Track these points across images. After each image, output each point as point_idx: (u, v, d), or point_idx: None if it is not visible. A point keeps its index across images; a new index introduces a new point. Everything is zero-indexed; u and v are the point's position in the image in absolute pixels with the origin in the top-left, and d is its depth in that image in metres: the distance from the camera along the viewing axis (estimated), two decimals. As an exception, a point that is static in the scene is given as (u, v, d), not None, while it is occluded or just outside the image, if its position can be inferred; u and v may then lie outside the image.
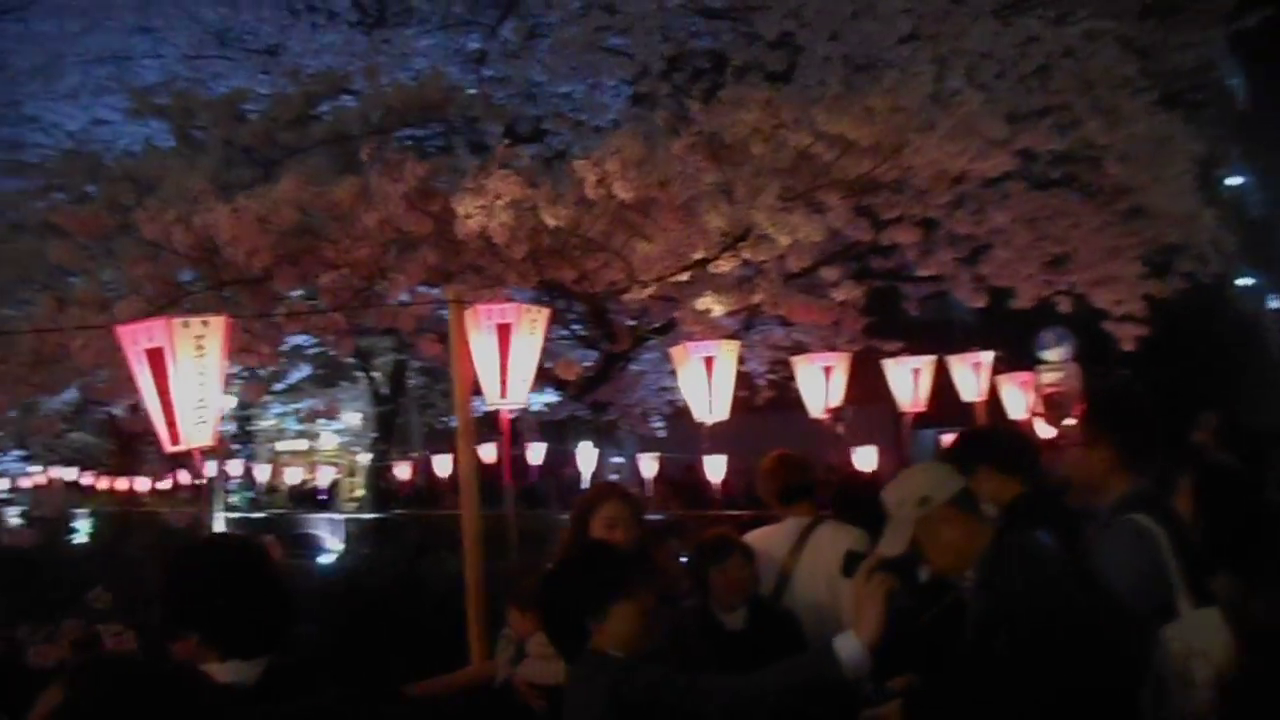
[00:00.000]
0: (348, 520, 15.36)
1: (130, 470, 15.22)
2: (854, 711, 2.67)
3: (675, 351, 4.49)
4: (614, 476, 13.71)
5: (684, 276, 4.49)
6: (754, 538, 3.79)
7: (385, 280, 4.10)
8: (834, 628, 2.57)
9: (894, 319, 7.27)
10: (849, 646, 2.22)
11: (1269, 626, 2.78)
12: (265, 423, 17.43)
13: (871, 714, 2.67)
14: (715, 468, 10.63)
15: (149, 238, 3.77)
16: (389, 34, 8.17)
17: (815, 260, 5.66)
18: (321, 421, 16.97)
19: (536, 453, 11.54)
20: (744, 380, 9.38)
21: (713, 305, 4.72)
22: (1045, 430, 7.04)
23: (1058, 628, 2.19)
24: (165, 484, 13.69)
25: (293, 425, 16.94)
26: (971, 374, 6.42)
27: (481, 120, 6.72)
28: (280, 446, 19.17)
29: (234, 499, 17.73)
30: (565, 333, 8.88)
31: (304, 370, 13.13)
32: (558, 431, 12.05)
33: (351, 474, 18.76)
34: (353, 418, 17.63)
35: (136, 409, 3.14)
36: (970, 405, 6.43)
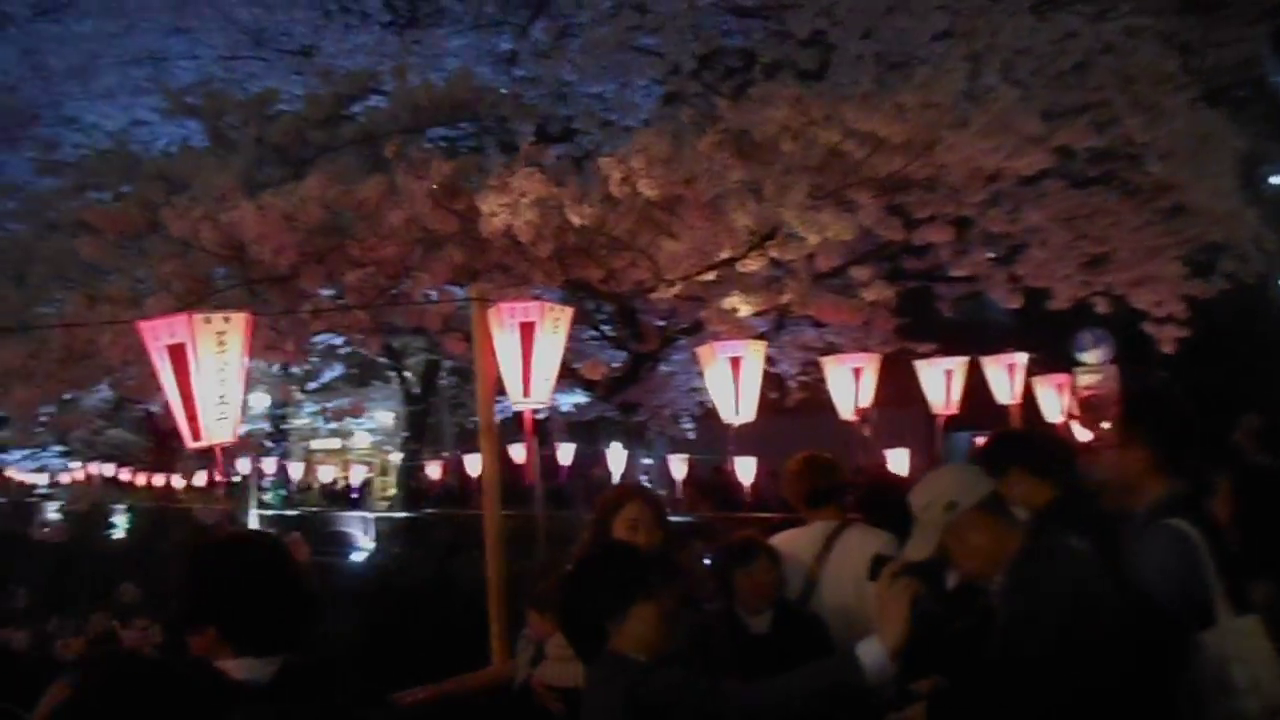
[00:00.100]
0: (379, 519, 15.47)
1: (166, 467, 15.42)
2: (878, 716, 2.61)
3: (701, 351, 4.44)
4: (644, 478, 13.69)
5: (711, 276, 4.44)
6: (780, 541, 3.74)
7: (410, 279, 4.09)
8: (862, 632, 2.52)
9: (928, 320, 7.17)
10: (872, 652, 2.17)
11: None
12: (299, 421, 17.61)
13: (896, 717, 2.61)
14: (745, 469, 10.59)
15: (177, 235, 3.79)
16: (420, 34, 8.21)
17: (845, 260, 5.58)
18: (354, 420, 17.12)
19: (566, 453, 11.55)
20: (775, 381, 9.33)
21: (740, 305, 4.67)
22: (1082, 433, 6.91)
23: (1088, 633, 2.12)
24: (200, 480, 13.84)
25: (326, 424, 17.10)
26: (1006, 376, 6.32)
27: (511, 120, 6.71)
28: (314, 445, 19.37)
29: (268, 496, 17.93)
30: (594, 333, 8.86)
31: (337, 369, 13.25)
32: (588, 432, 12.04)
33: (384, 473, 18.91)
34: (385, 417, 17.79)
35: (169, 405, 3.15)
36: (1005, 407, 6.33)
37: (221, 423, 2.93)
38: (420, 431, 13.19)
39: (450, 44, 8.63)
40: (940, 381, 5.94)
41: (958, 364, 5.95)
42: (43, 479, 16.46)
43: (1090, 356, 10.14)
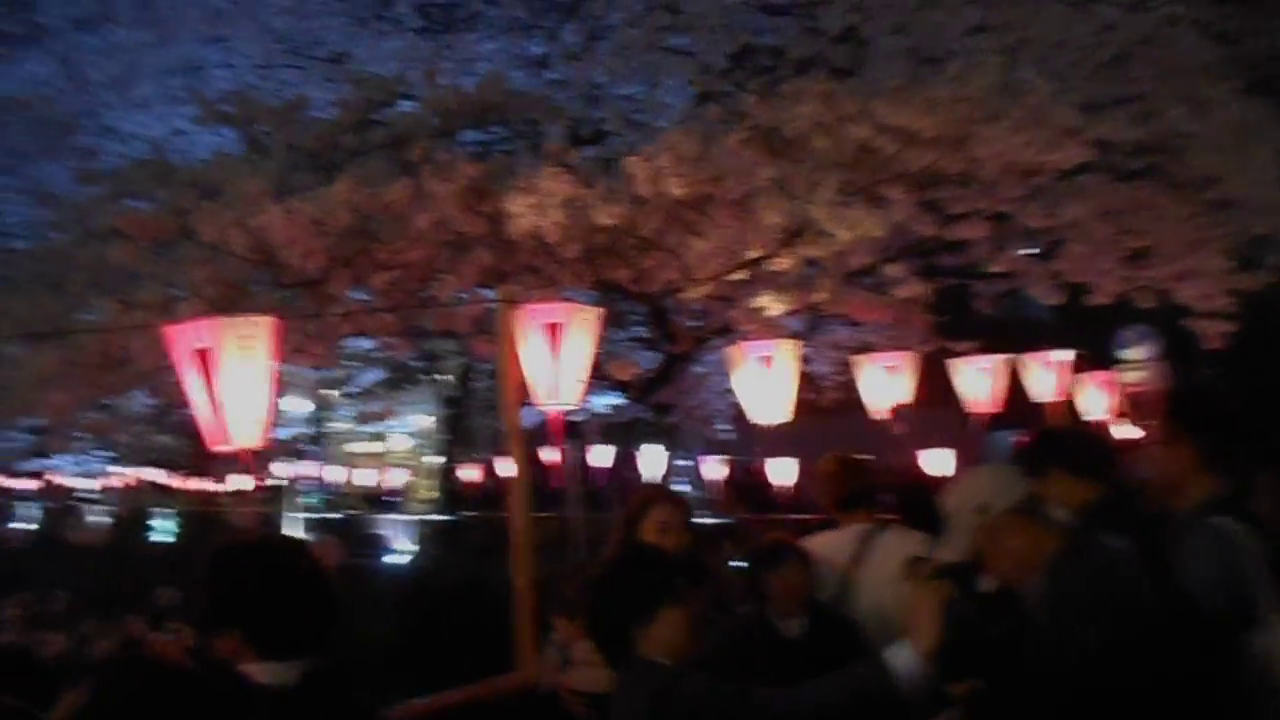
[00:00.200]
0: (417, 522, 15.57)
1: (209, 471, 15.63)
2: None
3: (731, 351, 4.40)
4: (679, 479, 13.65)
5: (741, 275, 4.39)
6: (814, 544, 3.69)
7: (437, 281, 4.09)
8: (899, 637, 2.47)
9: (966, 318, 7.06)
10: (903, 657, 2.12)
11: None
12: (337, 425, 17.79)
13: None
14: (781, 471, 10.51)
15: (208, 241, 3.82)
16: (452, 39, 8.24)
17: (878, 257, 5.51)
18: (392, 423, 17.24)
19: (601, 455, 11.53)
20: (810, 382, 9.26)
21: (770, 304, 4.62)
22: (1125, 432, 6.78)
23: (1128, 636, 2.05)
24: (243, 484, 14.02)
25: (364, 427, 17.24)
26: (1046, 374, 6.21)
27: (541, 123, 6.71)
28: (352, 448, 19.54)
29: (308, 500, 18.13)
30: (626, 335, 8.84)
31: (374, 374, 13.35)
32: (624, 434, 12.02)
33: (421, 476, 19.03)
34: (423, 420, 17.90)
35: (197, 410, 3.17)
36: (1046, 406, 6.22)
37: (249, 427, 2.93)
38: (456, 434, 13.25)
39: (482, 48, 8.66)
40: (978, 380, 5.86)
41: (995, 363, 5.86)
42: (89, 484, 16.75)
43: (1133, 353, 9.97)
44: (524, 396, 3.74)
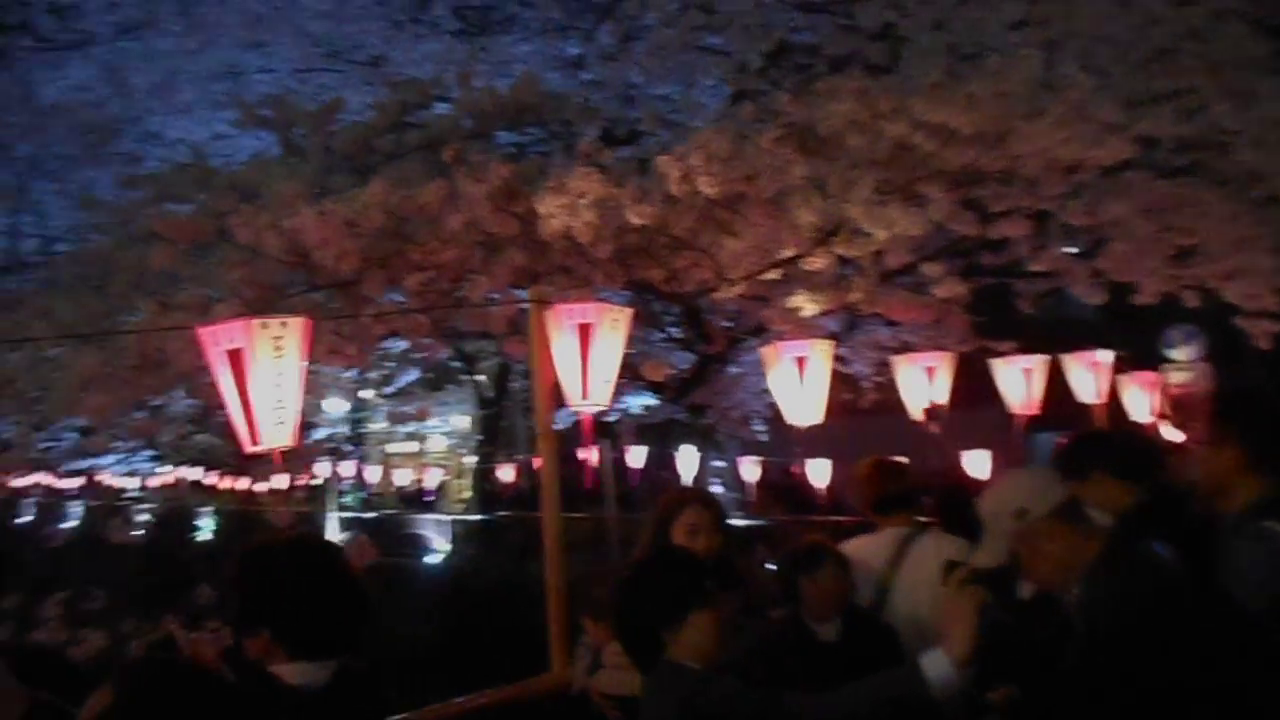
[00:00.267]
0: (454, 521, 15.65)
1: (249, 470, 15.82)
2: None
3: (766, 352, 4.35)
4: (715, 480, 13.60)
5: (775, 275, 4.35)
6: (851, 547, 3.64)
7: (468, 281, 4.09)
8: (935, 642, 2.42)
9: (1008, 317, 6.96)
10: (937, 663, 2.07)
11: None
12: (376, 425, 17.95)
13: None
14: (819, 472, 10.43)
15: (244, 242, 3.86)
16: (487, 42, 8.28)
17: (916, 256, 5.43)
18: (431, 424, 17.37)
19: (637, 456, 11.52)
20: (849, 382, 9.17)
21: (804, 304, 4.57)
22: (1172, 433, 6.63)
23: (1169, 643, 1.99)
24: (282, 484, 14.18)
25: (402, 427, 17.38)
26: (1089, 374, 6.09)
27: (576, 123, 6.72)
28: (391, 448, 19.70)
29: (346, 499, 18.30)
30: (662, 335, 8.82)
31: (413, 374, 13.45)
32: (659, 435, 11.99)
33: (459, 476, 19.13)
34: (461, 420, 18.01)
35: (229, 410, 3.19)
36: (1089, 407, 6.11)
37: (279, 428, 2.95)
38: (493, 434, 13.31)
39: (518, 50, 8.70)
40: (1018, 381, 5.76)
41: (1037, 362, 5.75)
42: (133, 483, 17.03)
43: (1180, 353, 9.74)
44: (556, 397, 3.73)
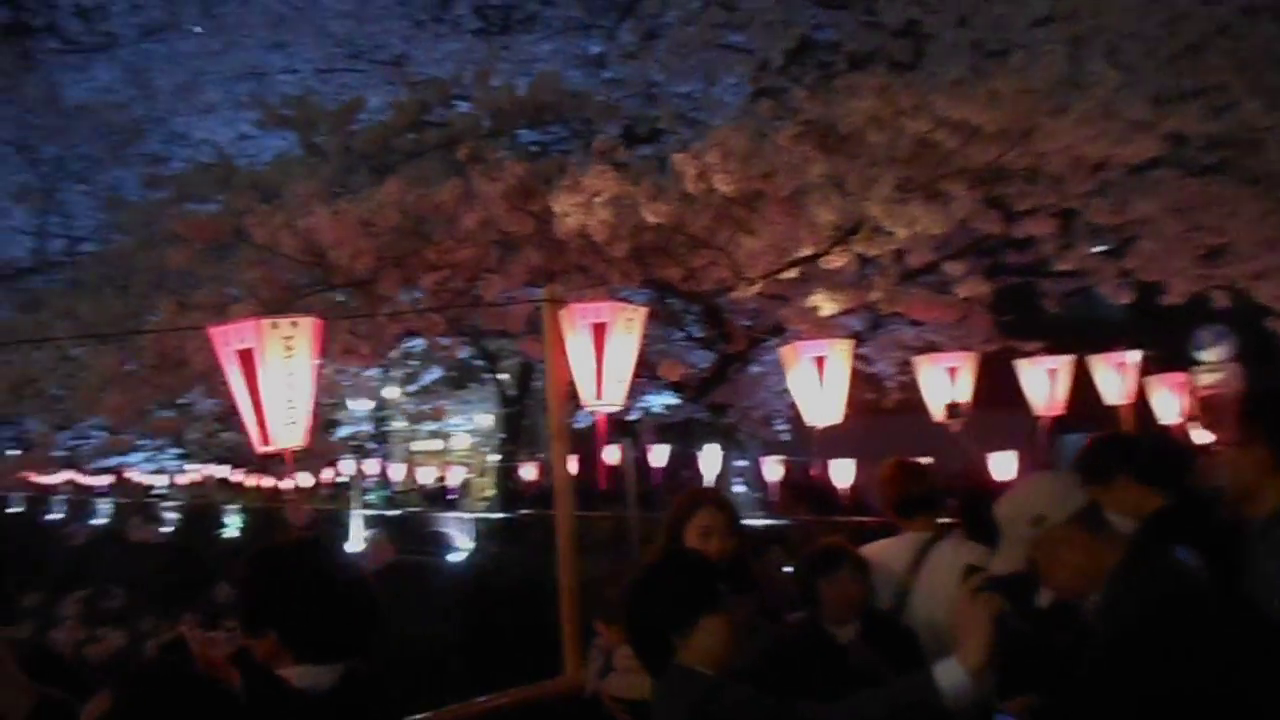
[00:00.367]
0: (476, 519, 15.71)
1: (274, 468, 15.95)
2: None
3: (784, 352, 4.30)
4: (738, 480, 13.55)
5: (793, 273, 4.30)
6: (871, 551, 3.58)
7: (483, 280, 4.07)
8: (953, 649, 2.37)
9: (1034, 317, 6.86)
10: (950, 672, 2.02)
11: None
12: (400, 424, 18.04)
13: None
14: (842, 472, 10.36)
15: (260, 242, 3.86)
16: (509, 40, 8.28)
17: (939, 255, 5.36)
18: (454, 422, 17.45)
19: (659, 455, 11.50)
20: (873, 382, 9.09)
21: (823, 303, 4.51)
22: (1201, 436, 6.52)
23: (1191, 652, 1.92)
24: (305, 481, 14.27)
25: (424, 426, 17.46)
26: (1116, 375, 5.99)
27: (596, 122, 6.69)
28: (415, 446, 19.81)
29: (371, 497, 18.41)
30: (682, 334, 8.79)
31: (435, 372, 13.51)
32: (681, 434, 11.97)
33: (481, 474, 19.20)
34: (484, 419, 18.08)
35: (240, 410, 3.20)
36: (1117, 409, 6.01)
37: (291, 428, 2.94)
38: (515, 433, 13.35)
39: (539, 49, 8.70)
40: (1043, 381, 5.67)
41: (1062, 363, 5.67)
42: (161, 480, 17.21)
43: (1209, 354, 9.58)
44: (571, 396, 3.71)
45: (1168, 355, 7.09)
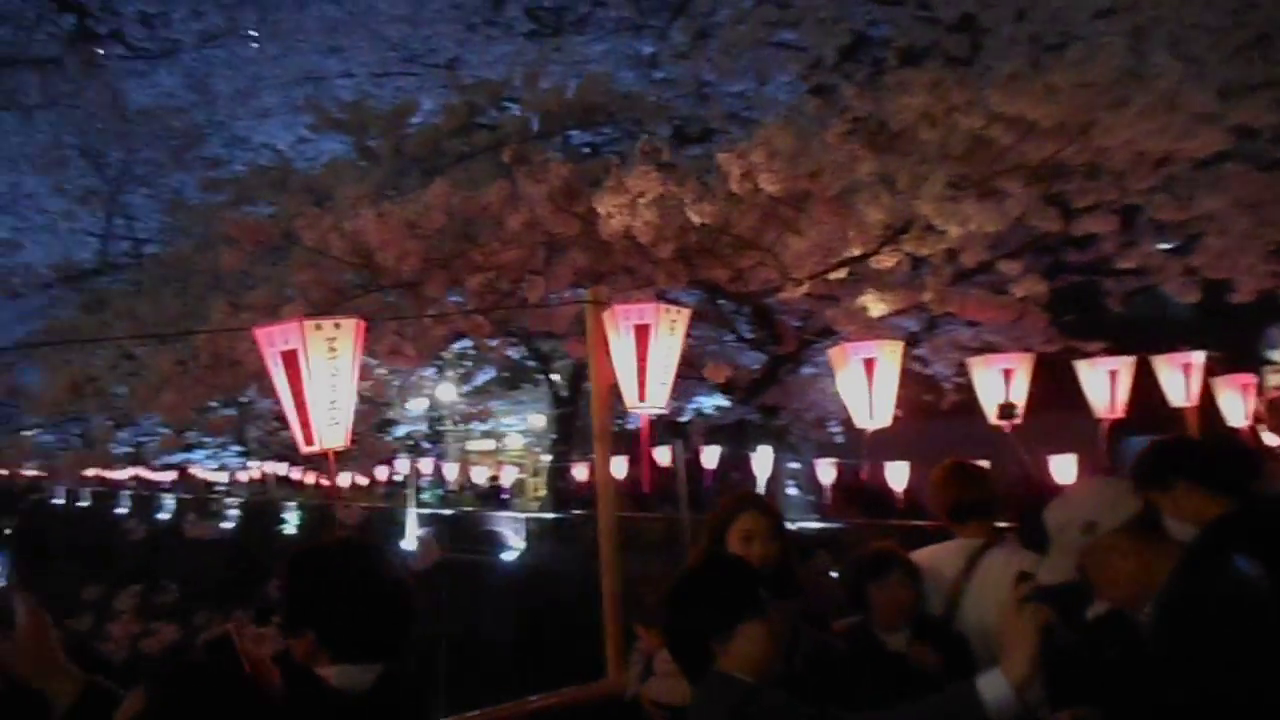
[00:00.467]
0: (529, 519, 15.80)
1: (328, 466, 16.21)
2: None
3: (834, 353, 4.23)
4: (790, 482, 13.43)
5: (842, 274, 4.23)
6: (922, 556, 3.50)
7: (527, 282, 4.07)
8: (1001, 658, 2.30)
9: (1097, 317, 6.68)
10: (995, 686, 1.96)
11: None
12: (455, 423, 18.21)
13: None
14: (897, 475, 10.21)
15: (310, 244, 3.91)
16: (560, 42, 8.31)
17: (994, 254, 5.24)
18: (508, 422, 17.57)
19: (710, 457, 11.45)
20: (929, 383, 8.94)
21: (871, 304, 4.43)
22: (1269, 439, 6.29)
23: (1251, 665, 1.84)
24: (364, 480, 14.49)
25: (476, 425, 17.60)
26: (1181, 376, 5.80)
27: (647, 122, 6.67)
28: (469, 446, 19.99)
29: (425, 495, 18.60)
30: (732, 335, 8.73)
31: (489, 373, 13.62)
32: (733, 436, 11.90)
33: (534, 474, 19.30)
34: (537, 419, 18.17)
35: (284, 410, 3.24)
36: (1181, 411, 5.82)
37: (334, 428, 2.96)
38: (568, 433, 13.40)
39: (591, 50, 8.71)
40: (1104, 383, 5.51)
41: (1123, 364, 5.50)
42: (222, 477, 17.61)
43: (1279, 354, 9.28)
44: (616, 398, 3.69)
45: (1235, 355, 6.87)
